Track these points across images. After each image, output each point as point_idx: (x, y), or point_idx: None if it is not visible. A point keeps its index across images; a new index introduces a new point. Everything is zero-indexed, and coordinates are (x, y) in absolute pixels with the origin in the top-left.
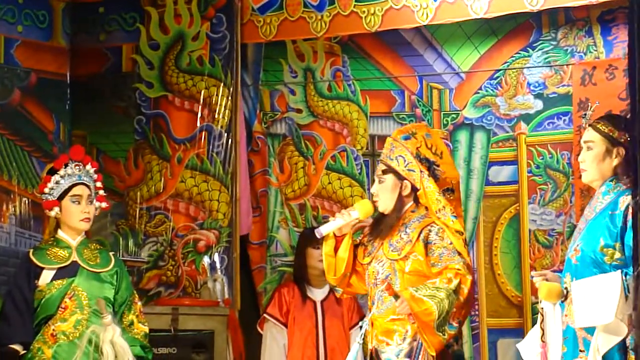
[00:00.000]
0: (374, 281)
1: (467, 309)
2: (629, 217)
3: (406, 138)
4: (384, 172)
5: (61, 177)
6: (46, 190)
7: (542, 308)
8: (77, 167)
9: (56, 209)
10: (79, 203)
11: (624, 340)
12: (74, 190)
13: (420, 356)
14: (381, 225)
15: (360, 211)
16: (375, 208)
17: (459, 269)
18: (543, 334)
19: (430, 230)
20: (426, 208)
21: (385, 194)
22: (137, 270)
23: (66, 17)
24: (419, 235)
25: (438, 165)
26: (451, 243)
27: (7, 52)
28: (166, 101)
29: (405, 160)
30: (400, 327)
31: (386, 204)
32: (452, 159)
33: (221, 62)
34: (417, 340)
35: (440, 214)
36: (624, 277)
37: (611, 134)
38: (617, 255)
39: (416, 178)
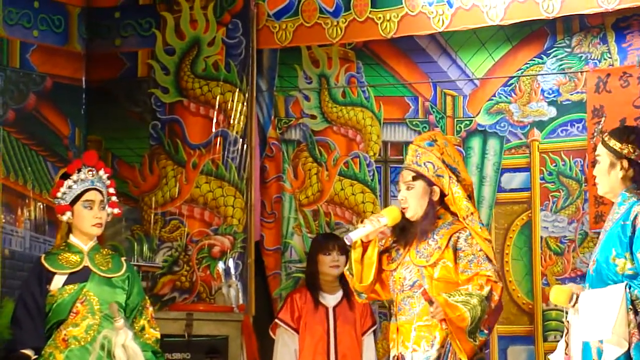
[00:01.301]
0: (400, 287)
1: (496, 316)
2: (638, 226)
3: (430, 144)
4: (414, 178)
5: (74, 182)
6: (59, 194)
7: (568, 321)
8: (90, 173)
9: (68, 213)
10: (91, 208)
11: (628, 352)
12: (87, 196)
13: None
14: (411, 231)
15: (388, 217)
16: (403, 214)
17: (490, 276)
18: (567, 346)
19: (459, 237)
20: (452, 214)
21: (415, 200)
22: (151, 275)
23: (82, 21)
24: (448, 242)
25: (459, 173)
26: (481, 249)
27: (22, 57)
28: (181, 106)
29: (434, 166)
30: (427, 333)
31: (415, 210)
32: (465, 166)
33: (237, 67)
34: (445, 347)
35: (469, 220)
36: (628, 290)
37: (614, 147)
38: (628, 265)
39: (445, 183)
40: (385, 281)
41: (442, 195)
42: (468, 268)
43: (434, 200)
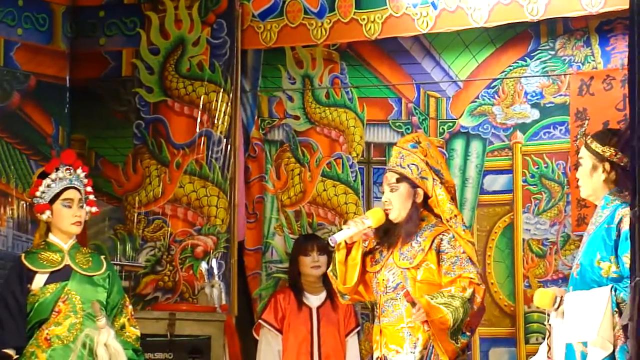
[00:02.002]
0: (384, 289)
1: (479, 318)
2: (623, 230)
3: (413, 147)
4: (398, 180)
5: (52, 180)
6: (37, 194)
7: (550, 324)
8: (67, 171)
9: (48, 212)
10: (70, 207)
11: (613, 354)
12: (65, 194)
13: None
14: (395, 233)
15: (372, 219)
16: (386, 216)
17: (472, 278)
18: (549, 349)
19: (442, 239)
20: (436, 216)
21: (398, 202)
22: (134, 275)
23: (66, 20)
24: (431, 244)
25: (442, 175)
26: (464, 252)
27: (6, 55)
28: (166, 106)
29: (418, 169)
30: (411, 335)
31: (399, 212)
32: (448, 168)
33: (221, 67)
34: (428, 349)
35: (452, 222)
36: (613, 293)
37: (596, 149)
38: (613, 268)
39: (429, 186)
40: (369, 283)
41: (426, 197)
42: (451, 270)
43: (417, 203)
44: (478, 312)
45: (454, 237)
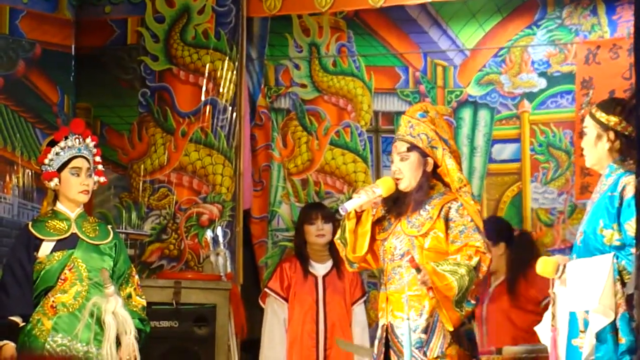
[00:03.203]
0: (391, 257)
1: (484, 287)
2: (625, 197)
3: (422, 116)
4: (408, 149)
5: (61, 149)
6: (46, 161)
7: (554, 292)
8: (77, 140)
9: (55, 180)
10: (78, 175)
11: (614, 322)
12: (74, 163)
13: (436, 332)
14: (404, 202)
15: (383, 188)
16: (396, 185)
17: (478, 247)
18: (553, 318)
19: (450, 207)
20: (445, 185)
21: (409, 172)
22: (139, 243)
23: None
24: (439, 213)
25: (450, 144)
26: (472, 220)
27: (12, 23)
28: (171, 74)
29: (428, 138)
30: (417, 302)
31: (410, 181)
32: (454, 138)
33: (226, 35)
34: (434, 316)
35: (461, 192)
36: (615, 260)
37: (601, 119)
38: (616, 236)
39: (439, 155)
40: (376, 251)
41: (435, 166)
42: (458, 238)
43: (427, 172)
44: (483, 280)
45: (462, 205)
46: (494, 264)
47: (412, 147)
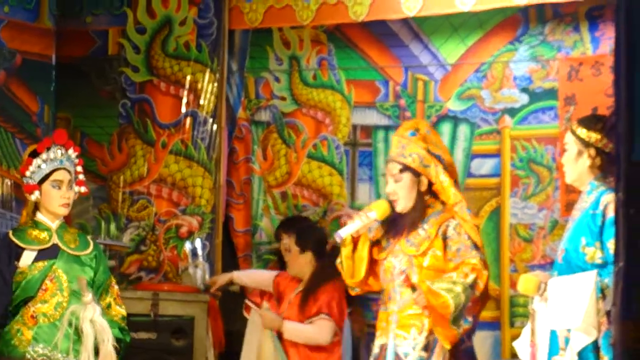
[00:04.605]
0: (391, 276)
1: (482, 304)
2: (608, 216)
3: (413, 134)
4: (401, 171)
5: (43, 161)
6: (27, 173)
7: (533, 309)
8: (59, 152)
9: (37, 192)
10: (59, 188)
11: (596, 340)
12: (55, 175)
13: (436, 350)
14: (400, 223)
15: (377, 212)
16: (392, 207)
17: (475, 264)
18: (533, 334)
19: (448, 226)
20: (442, 203)
21: (404, 193)
22: (118, 254)
23: None
24: (437, 231)
25: (444, 159)
26: (469, 238)
27: None
28: (152, 86)
29: (419, 157)
30: (417, 321)
31: (405, 203)
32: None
33: (208, 47)
34: (434, 334)
35: (457, 207)
36: (598, 278)
37: (581, 135)
38: (598, 254)
39: (432, 173)
40: (377, 272)
41: (430, 183)
42: (456, 256)
43: (422, 191)
44: (481, 297)
45: (459, 223)
46: (301, 269)
47: (405, 168)
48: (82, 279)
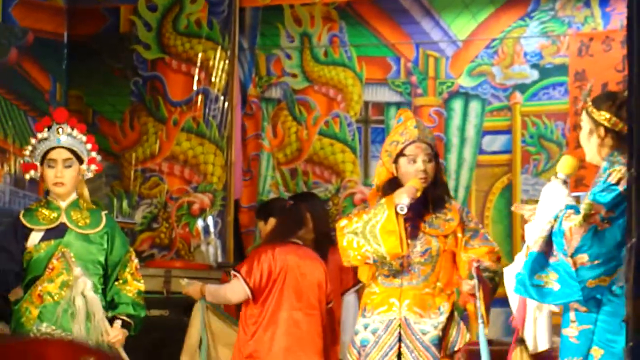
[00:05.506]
0: (409, 254)
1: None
2: (607, 180)
3: (400, 121)
4: (432, 149)
5: (38, 141)
6: (26, 153)
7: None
8: (59, 130)
9: (32, 171)
10: (54, 167)
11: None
12: (50, 155)
13: (453, 330)
14: (424, 200)
15: (418, 186)
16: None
17: (498, 252)
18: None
19: (463, 209)
20: None
21: (432, 174)
22: (130, 231)
23: None
24: (459, 214)
25: None
26: (477, 222)
27: (5, 11)
28: (163, 63)
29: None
30: (436, 301)
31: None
32: None
33: (219, 25)
34: (452, 314)
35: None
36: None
37: (592, 114)
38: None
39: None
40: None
41: None
42: (477, 241)
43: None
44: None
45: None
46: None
47: (432, 150)
48: (65, 251)
